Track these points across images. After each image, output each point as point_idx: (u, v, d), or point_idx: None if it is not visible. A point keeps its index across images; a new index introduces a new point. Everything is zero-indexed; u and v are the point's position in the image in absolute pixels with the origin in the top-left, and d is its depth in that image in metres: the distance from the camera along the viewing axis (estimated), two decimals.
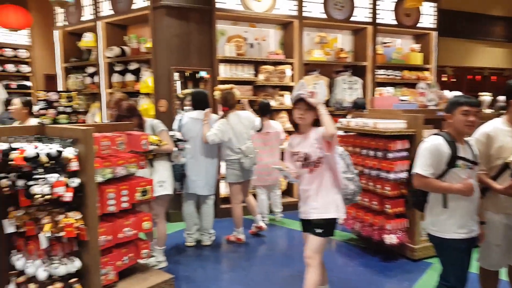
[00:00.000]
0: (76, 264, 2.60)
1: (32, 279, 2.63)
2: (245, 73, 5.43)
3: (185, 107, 4.73)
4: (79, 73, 6.52)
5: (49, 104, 5.05)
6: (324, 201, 2.68)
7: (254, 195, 4.87)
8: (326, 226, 2.69)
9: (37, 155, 2.43)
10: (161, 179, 3.58)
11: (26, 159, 2.42)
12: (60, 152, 2.48)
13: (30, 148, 2.48)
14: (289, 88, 5.67)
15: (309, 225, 2.75)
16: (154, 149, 3.32)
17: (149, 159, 3.45)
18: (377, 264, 3.86)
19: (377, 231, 3.88)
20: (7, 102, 5.24)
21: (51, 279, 2.57)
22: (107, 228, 2.76)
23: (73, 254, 2.64)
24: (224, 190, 5.23)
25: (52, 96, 5.07)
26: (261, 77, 5.45)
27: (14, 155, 2.46)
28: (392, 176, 3.70)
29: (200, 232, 4.37)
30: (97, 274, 2.63)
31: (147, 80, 5.32)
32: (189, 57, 5.09)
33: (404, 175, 3.68)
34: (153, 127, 3.61)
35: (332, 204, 2.70)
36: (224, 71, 5.28)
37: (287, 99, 5.58)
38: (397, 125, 3.79)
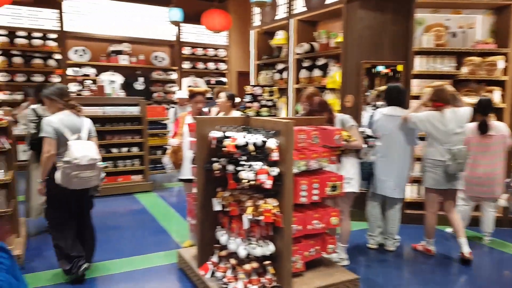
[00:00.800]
0: (270, 247, 2.76)
1: (233, 254, 2.91)
2: (445, 65, 4.82)
3: (376, 103, 4.50)
4: (269, 70, 7.03)
5: (254, 97, 5.55)
6: None
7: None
8: None
9: (246, 144, 2.66)
10: (348, 176, 3.48)
11: (237, 146, 2.67)
12: (264, 142, 2.65)
13: (240, 137, 2.72)
14: (499, 83, 4.78)
15: None
16: (343, 145, 3.26)
17: (337, 155, 3.40)
18: None
19: None
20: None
21: (248, 257, 2.79)
22: (298, 218, 2.84)
23: (268, 238, 2.81)
24: (410, 194, 4.82)
25: (257, 90, 5.56)
26: (464, 70, 4.75)
27: (226, 142, 2.76)
28: None
29: (383, 236, 4.11)
30: (288, 260, 2.73)
31: (335, 75, 5.32)
32: (381, 50, 4.83)
33: None
34: (343, 122, 3.54)
35: None
36: (420, 64, 4.80)
37: (496, 96, 4.73)
38: None
